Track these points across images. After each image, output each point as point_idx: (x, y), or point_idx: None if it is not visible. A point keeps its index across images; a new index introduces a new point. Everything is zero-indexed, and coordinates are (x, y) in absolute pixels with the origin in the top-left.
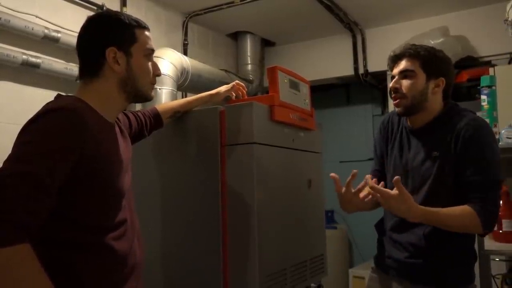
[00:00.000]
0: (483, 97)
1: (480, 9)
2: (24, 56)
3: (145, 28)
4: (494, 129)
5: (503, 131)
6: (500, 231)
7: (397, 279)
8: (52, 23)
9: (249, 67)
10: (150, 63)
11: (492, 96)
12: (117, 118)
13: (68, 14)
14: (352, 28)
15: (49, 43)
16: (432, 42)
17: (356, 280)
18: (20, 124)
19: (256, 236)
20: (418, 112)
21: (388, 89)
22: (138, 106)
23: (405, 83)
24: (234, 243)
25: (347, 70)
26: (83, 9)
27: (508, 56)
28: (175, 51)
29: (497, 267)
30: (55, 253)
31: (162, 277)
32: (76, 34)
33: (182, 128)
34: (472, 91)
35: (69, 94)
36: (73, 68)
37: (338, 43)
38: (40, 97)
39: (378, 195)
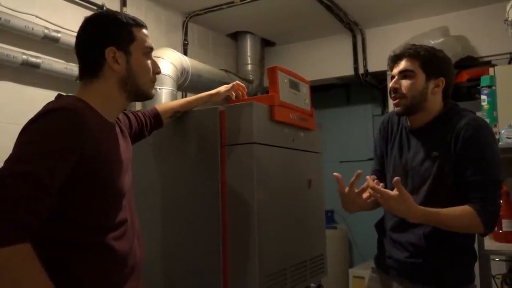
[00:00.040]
0: (483, 97)
1: (480, 9)
2: (24, 56)
3: (143, 26)
4: (494, 129)
5: (503, 131)
6: (500, 231)
7: (397, 279)
8: (52, 23)
9: (249, 67)
10: (149, 61)
11: (492, 96)
12: (118, 118)
13: (68, 14)
14: (352, 28)
15: (49, 43)
16: (432, 42)
17: (356, 280)
18: (20, 124)
19: (256, 236)
20: (417, 112)
21: (388, 89)
22: (138, 106)
23: (405, 83)
24: (234, 243)
25: (347, 70)
26: (83, 9)
27: (508, 56)
28: (175, 51)
29: (497, 267)
30: (55, 253)
31: (162, 277)
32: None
33: (182, 128)
34: (472, 91)
35: (69, 94)
36: (73, 68)
37: (338, 43)
38: (40, 97)
39: (378, 195)
